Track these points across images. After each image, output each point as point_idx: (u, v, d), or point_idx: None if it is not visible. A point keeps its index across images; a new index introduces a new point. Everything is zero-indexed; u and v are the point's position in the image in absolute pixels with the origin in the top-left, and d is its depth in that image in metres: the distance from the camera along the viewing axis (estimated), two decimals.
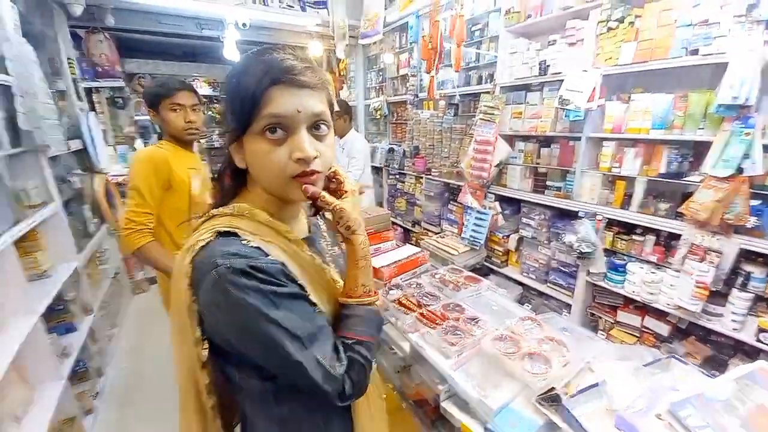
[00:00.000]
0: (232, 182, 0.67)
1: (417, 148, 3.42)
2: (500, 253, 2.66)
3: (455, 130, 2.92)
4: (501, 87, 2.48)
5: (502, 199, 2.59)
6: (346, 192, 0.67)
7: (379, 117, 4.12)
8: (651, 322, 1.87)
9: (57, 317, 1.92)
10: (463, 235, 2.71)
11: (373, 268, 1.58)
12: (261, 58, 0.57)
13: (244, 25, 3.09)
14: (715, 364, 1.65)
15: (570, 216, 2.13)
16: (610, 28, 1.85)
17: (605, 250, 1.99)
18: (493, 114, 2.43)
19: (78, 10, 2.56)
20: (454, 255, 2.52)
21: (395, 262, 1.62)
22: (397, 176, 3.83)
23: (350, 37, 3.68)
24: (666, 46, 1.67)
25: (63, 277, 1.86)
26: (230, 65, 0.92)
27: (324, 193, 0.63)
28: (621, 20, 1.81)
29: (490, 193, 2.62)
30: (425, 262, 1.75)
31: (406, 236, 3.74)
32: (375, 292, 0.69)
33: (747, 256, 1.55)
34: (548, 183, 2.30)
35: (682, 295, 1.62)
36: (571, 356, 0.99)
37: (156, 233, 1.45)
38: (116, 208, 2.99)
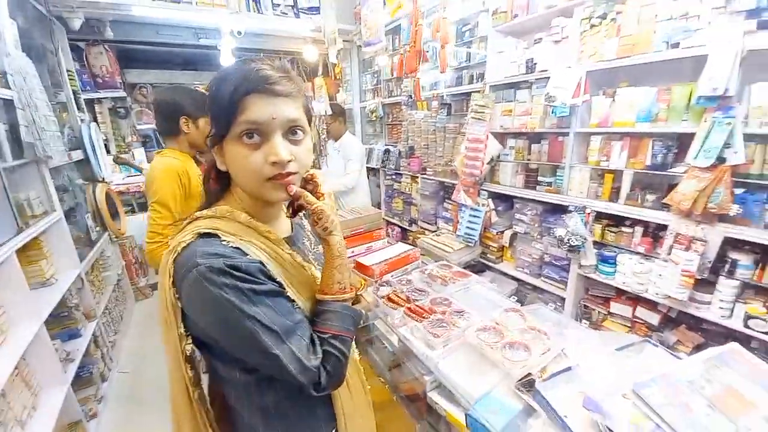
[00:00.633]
0: (217, 185, 0.71)
1: (412, 149, 3.45)
2: (495, 249, 2.68)
3: (449, 130, 2.96)
4: (491, 86, 2.51)
5: (496, 196, 2.62)
6: (322, 195, 0.71)
7: (375, 119, 4.16)
8: (642, 312, 1.89)
9: (61, 323, 1.97)
10: (458, 233, 2.73)
11: (364, 265, 1.63)
12: (240, 68, 0.61)
13: (239, 33, 3.15)
14: None
15: (561, 210, 2.15)
16: (593, 25, 1.88)
17: (595, 242, 2.01)
18: (483, 112, 2.46)
19: (77, 24, 2.63)
20: (450, 252, 2.54)
21: (386, 259, 1.66)
22: (394, 176, 3.86)
23: (344, 41, 3.72)
24: (647, 41, 1.69)
25: (66, 284, 1.91)
26: None
27: (307, 193, 0.67)
28: (603, 17, 1.84)
29: (483, 190, 2.65)
30: (416, 260, 1.78)
31: (404, 235, 3.76)
32: (351, 289, 0.72)
33: (734, 244, 1.57)
34: (539, 178, 2.32)
35: (670, 284, 1.64)
36: (552, 344, 1.02)
37: None
38: (118, 216, 3.06)
